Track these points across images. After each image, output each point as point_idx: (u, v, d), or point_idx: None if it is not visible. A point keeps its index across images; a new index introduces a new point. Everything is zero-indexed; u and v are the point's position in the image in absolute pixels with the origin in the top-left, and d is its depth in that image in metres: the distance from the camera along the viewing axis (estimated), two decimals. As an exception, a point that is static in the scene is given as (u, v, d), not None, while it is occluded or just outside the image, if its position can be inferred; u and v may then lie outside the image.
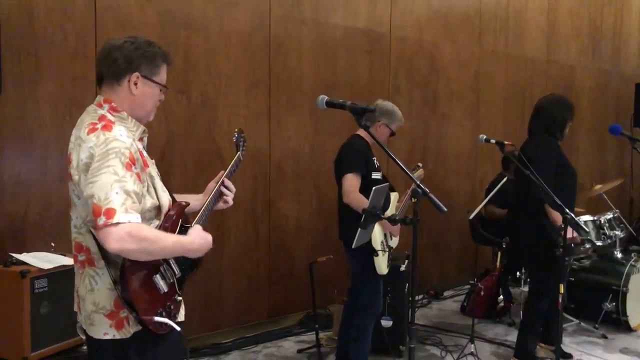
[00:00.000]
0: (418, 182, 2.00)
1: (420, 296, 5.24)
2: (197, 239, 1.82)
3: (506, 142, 3.21)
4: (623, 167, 7.48)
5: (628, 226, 4.58)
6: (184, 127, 3.83)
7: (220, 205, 2.14)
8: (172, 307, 1.83)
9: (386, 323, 3.67)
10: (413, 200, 1.99)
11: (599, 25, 7.14)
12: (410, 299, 2.67)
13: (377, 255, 3.09)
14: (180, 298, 1.90)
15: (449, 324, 4.60)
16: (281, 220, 4.37)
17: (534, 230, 3.46)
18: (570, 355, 3.86)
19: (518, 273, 4.46)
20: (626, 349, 4.06)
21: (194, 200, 2.10)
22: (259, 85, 4.18)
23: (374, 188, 2.26)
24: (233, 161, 2.21)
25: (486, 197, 4.85)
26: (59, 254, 3.08)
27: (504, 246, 4.69)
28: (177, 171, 3.79)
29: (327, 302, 4.42)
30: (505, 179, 4.36)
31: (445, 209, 1.97)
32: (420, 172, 3.72)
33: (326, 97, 2.15)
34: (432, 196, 1.98)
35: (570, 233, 3.26)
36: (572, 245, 3.10)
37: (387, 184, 2.45)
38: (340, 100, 2.13)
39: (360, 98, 3.90)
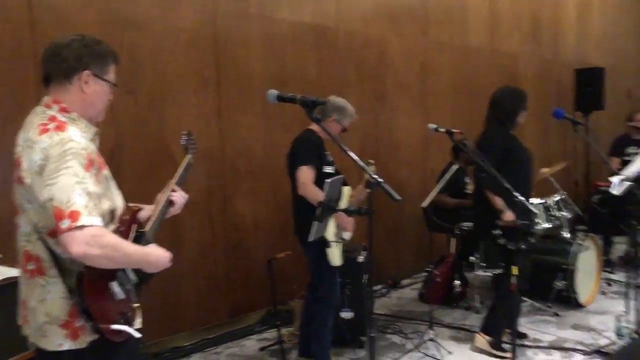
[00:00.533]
0: (371, 173, 2.02)
1: (379, 286, 5.31)
2: (158, 251, 1.79)
3: (455, 131, 3.29)
4: (567, 150, 7.76)
5: (574, 206, 4.75)
6: (133, 128, 3.75)
7: (170, 210, 2.10)
8: (129, 314, 1.80)
9: (346, 315, 3.70)
10: (367, 190, 2.01)
11: (539, 15, 7.37)
12: (368, 289, 2.70)
13: (329, 246, 3.11)
14: (138, 304, 1.86)
15: (407, 311, 4.68)
16: (237, 219, 4.33)
17: (487, 216, 3.58)
18: (525, 335, 3.98)
19: (472, 258, 4.56)
20: (577, 324, 4.23)
21: (146, 211, 2.06)
22: (208, 83, 4.13)
23: (328, 180, 2.28)
24: (183, 166, 2.18)
25: (437, 185, 4.94)
26: (4, 266, 2.96)
27: (457, 232, 4.80)
28: (127, 173, 3.70)
29: (287, 298, 4.42)
30: (455, 168, 4.45)
31: (399, 197, 2.00)
32: (372, 169, 3.75)
33: (276, 92, 2.16)
34: (385, 185, 2.01)
35: (510, 217, 3.40)
36: (521, 228, 3.21)
37: (341, 176, 2.46)
38: (291, 94, 2.14)
39: (311, 93, 3.86)
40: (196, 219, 4.08)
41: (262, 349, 3.95)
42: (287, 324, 4.29)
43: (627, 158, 6.11)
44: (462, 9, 6.23)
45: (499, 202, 3.49)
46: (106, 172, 1.81)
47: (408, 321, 4.38)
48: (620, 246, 6.30)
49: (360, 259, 3.90)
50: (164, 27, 3.89)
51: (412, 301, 4.99)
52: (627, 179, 3.27)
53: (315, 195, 3.00)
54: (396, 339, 4.05)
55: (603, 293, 4.91)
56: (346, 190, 3.37)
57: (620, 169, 5.02)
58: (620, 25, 9.01)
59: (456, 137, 3.29)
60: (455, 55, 6.17)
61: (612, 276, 5.41)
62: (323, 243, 3.11)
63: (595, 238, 4.83)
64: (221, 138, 4.21)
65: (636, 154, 6.09)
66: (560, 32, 7.79)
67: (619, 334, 3.57)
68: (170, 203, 2.05)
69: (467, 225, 4.70)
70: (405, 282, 5.55)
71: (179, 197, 2.08)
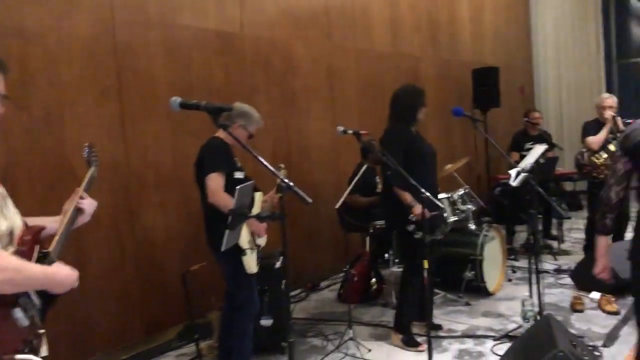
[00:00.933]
0: (281, 177, 2.02)
1: (298, 290, 5.32)
2: (64, 270, 1.69)
3: (362, 132, 3.36)
4: (468, 146, 8.14)
5: (478, 199, 4.99)
6: (28, 144, 3.51)
7: (80, 219, 2.00)
8: (34, 341, 1.67)
9: (266, 322, 3.67)
10: (279, 195, 2.00)
11: (436, 17, 7.69)
12: (286, 294, 2.70)
13: (244, 254, 3.07)
14: (43, 331, 1.74)
15: (327, 313, 4.71)
16: (148, 233, 4.18)
17: (398, 213, 3.69)
18: (440, 326, 4.13)
19: (386, 255, 4.67)
20: (487, 311, 4.44)
21: (51, 222, 1.95)
22: (108, 93, 3.96)
23: (238, 187, 2.24)
24: (87, 179, 2.08)
25: (349, 186, 5.03)
26: None
27: (371, 231, 4.90)
28: (24, 192, 3.47)
29: (205, 311, 4.31)
30: (364, 168, 4.54)
31: (310, 200, 2.01)
32: (283, 172, 3.76)
33: (179, 99, 2.10)
34: (296, 189, 2.01)
35: (420, 210, 3.52)
36: (433, 219, 3.34)
37: (251, 182, 2.44)
38: (195, 101, 2.10)
39: (218, 100, 3.86)
40: (102, 235, 3.89)
41: (180, 364, 3.83)
42: (206, 337, 4.19)
43: (525, 153, 6.49)
44: (364, 13, 6.38)
45: (407, 197, 3.60)
46: (1, 190, 1.69)
47: (328, 323, 4.42)
48: (522, 235, 6.70)
49: (278, 264, 3.88)
50: (57, 36, 3.68)
51: (332, 302, 5.03)
52: (523, 171, 3.47)
53: (227, 202, 2.96)
54: (317, 341, 4.06)
55: (509, 280, 5.19)
56: (258, 196, 3.35)
57: (518, 162, 5.35)
58: (510, 25, 9.59)
59: (363, 138, 3.36)
60: (360, 58, 6.31)
61: (516, 263, 5.73)
62: (237, 251, 3.07)
63: (499, 228, 5.09)
64: (126, 149, 4.05)
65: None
66: (457, 33, 8.17)
67: (525, 318, 3.77)
68: (78, 211, 1.94)
69: (380, 223, 4.81)
70: (324, 284, 5.60)
71: (88, 204, 1.98)
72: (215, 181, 3.05)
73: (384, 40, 6.69)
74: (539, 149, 3.95)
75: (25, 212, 1.86)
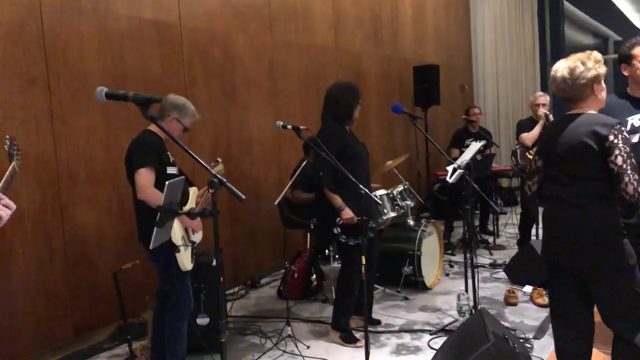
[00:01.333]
0: (213, 172, 1.95)
1: (237, 287, 5.23)
2: None
3: (302, 127, 3.31)
4: (409, 143, 8.25)
5: (417, 196, 5.05)
6: (-56, 135, 3.28)
7: None
8: None
9: (202, 321, 3.55)
10: (210, 191, 1.94)
11: (379, 14, 7.74)
12: (217, 292, 2.62)
13: (178, 251, 2.98)
14: None
15: (267, 310, 4.66)
16: (78, 230, 4.00)
17: (327, 214, 3.67)
18: (379, 321, 4.15)
19: (327, 251, 4.66)
20: (424, 306, 4.50)
21: None
22: (35, 83, 3.75)
23: (167, 182, 2.16)
24: (7, 173, 1.94)
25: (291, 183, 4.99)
26: None
27: (312, 227, 4.88)
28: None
29: (140, 310, 4.19)
30: (304, 163, 4.50)
31: (244, 197, 1.95)
32: (220, 167, 3.66)
33: (105, 89, 1.99)
34: (229, 185, 1.95)
35: (349, 214, 3.52)
36: (360, 224, 3.34)
37: (182, 177, 2.36)
38: (123, 92, 1.99)
39: (155, 92, 3.72)
40: (29, 233, 3.70)
41: (112, 366, 3.69)
42: (141, 337, 4.06)
43: (465, 149, 6.66)
44: (306, 8, 6.33)
45: (337, 200, 3.58)
46: None
47: (267, 320, 4.36)
48: (460, 230, 6.84)
49: (214, 262, 3.78)
50: (-22, 20, 3.46)
51: (272, 299, 4.98)
52: (459, 168, 3.52)
53: (156, 198, 2.86)
54: (255, 339, 4.00)
55: (446, 274, 5.29)
56: (192, 192, 3.26)
57: (457, 159, 5.45)
58: (451, 24, 9.78)
59: (304, 134, 3.31)
60: (302, 53, 6.26)
61: (453, 258, 5.85)
62: (170, 248, 2.97)
63: (436, 224, 5.18)
64: (54, 142, 3.86)
65: (473, 145, 6.66)
66: (399, 31, 8.25)
67: (460, 312, 3.85)
68: None
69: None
70: (264, 280, 5.53)
71: (4, 210, 1.84)
72: (143, 176, 2.95)
73: (326, 35, 6.67)
74: (474, 146, 4.03)
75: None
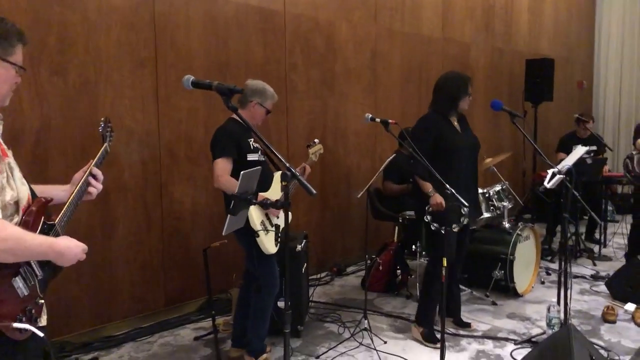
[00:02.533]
0: (288, 165, 1.96)
1: (324, 274, 5.29)
2: (65, 242, 1.70)
3: (391, 121, 3.25)
4: (517, 140, 7.86)
5: (516, 197, 4.80)
6: (62, 111, 3.58)
7: (85, 196, 2.00)
8: (33, 310, 1.70)
9: (280, 304, 3.64)
10: (283, 183, 1.95)
11: (492, 4, 7.40)
12: (285, 280, 2.65)
13: (257, 236, 3.05)
14: (42, 301, 1.76)
15: (349, 299, 4.67)
16: (175, 206, 4.22)
17: (421, 202, 3.59)
18: (468, 325, 4.00)
19: (414, 246, 4.57)
20: (512, 313, 4.29)
21: (60, 191, 1.96)
22: (145, 64, 3.98)
23: (242, 172, 2.20)
24: (99, 153, 2.07)
25: (384, 173, 4.94)
26: None
27: (400, 220, 4.81)
28: (55, 158, 3.55)
29: (227, 287, 4.36)
30: (393, 155, 4.42)
31: (315, 192, 1.94)
32: (317, 147, 3.69)
33: (192, 77, 2.06)
34: (302, 179, 1.95)
35: (438, 200, 3.42)
36: (450, 211, 3.22)
37: (258, 167, 2.39)
38: (208, 81, 2.05)
39: (256, 77, 3.79)
40: (130, 205, 3.96)
41: (196, 338, 3.87)
42: (225, 313, 4.23)
43: (572, 153, 6.24)
44: (415, -4, 6.18)
45: (428, 186, 3.51)
46: (9, 159, 1.71)
47: (348, 309, 4.37)
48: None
49: (299, 248, 3.85)
50: (98, 4, 3.72)
51: (355, 289, 4.98)
52: (559, 172, 3.29)
53: (231, 186, 2.97)
54: (334, 327, 4.03)
55: (542, 282, 5.01)
56: (277, 177, 3.29)
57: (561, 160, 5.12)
58: (571, 17, 9.15)
59: (392, 128, 3.26)
60: (407, 43, 6.14)
61: (552, 265, 5.52)
62: (252, 232, 3.05)
63: (535, 228, 4.89)
64: (158, 121, 4.08)
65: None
66: (513, 22, 7.84)
67: (549, 324, 3.62)
68: (87, 185, 1.94)
69: (410, 213, 4.70)
70: (350, 269, 5.54)
71: (97, 186, 1.97)
72: (218, 166, 3.08)
73: (433, 25, 6.49)
74: (580, 151, 3.75)
75: (55, 179, 1.89)
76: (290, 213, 3.39)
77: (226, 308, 4.30)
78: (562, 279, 3.35)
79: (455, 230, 3.46)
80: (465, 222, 3.47)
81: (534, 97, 7.48)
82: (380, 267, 4.80)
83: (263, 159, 3.29)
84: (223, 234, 2.31)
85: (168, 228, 4.18)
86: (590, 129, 6.31)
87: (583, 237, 6.21)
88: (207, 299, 4.36)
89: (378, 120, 3.24)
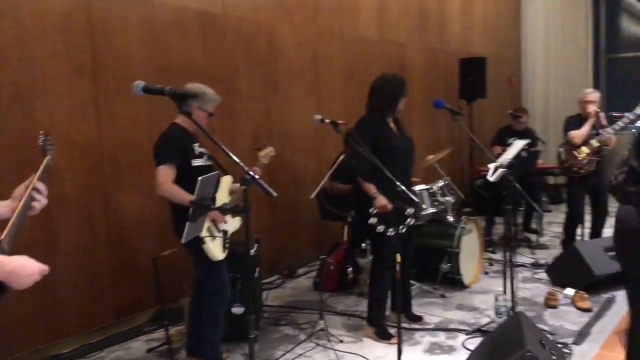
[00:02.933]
0: (247, 169, 1.95)
1: (275, 277, 5.28)
2: (28, 262, 1.62)
3: (340, 122, 3.29)
4: (454, 136, 8.11)
5: (458, 192, 4.96)
6: (-5, 121, 3.41)
7: (29, 211, 1.91)
8: None
9: (237, 310, 3.61)
10: (242, 187, 1.94)
11: (425, 5, 7.60)
12: (258, 282, 2.64)
13: (204, 242, 2.99)
14: None
15: (302, 301, 4.68)
16: (121, 215, 4.10)
17: (362, 204, 3.64)
18: (420, 318, 4.10)
19: (363, 244, 4.63)
20: (461, 304, 4.43)
21: (1, 207, 1.87)
22: (82, 71, 3.85)
23: (199, 178, 2.17)
24: (42, 167, 1.98)
25: (331, 174, 4.98)
26: None
27: (349, 219, 4.86)
28: (-10, 172, 3.38)
29: (179, 296, 4.27)
30: (342, 156, 4.47)
31: (275, 194, 1.95)
32: (268, 149, 3.65)
33: (142, 83, 2.02)
34: (261, 182, 1.95)
35: (382, 202, 3.48)
36: (395, 212, 3.29)
37: (216, 172, 2.36)
38: (159, 86, 2.01)
39: (198, 81, 3.74)
40: (74, 217, 3.81)
41: (149, 350, 3.78)
42: (178, 322, 4.14)
43: (508, 146, 6.49)
44: (352, -2, 6.27)
45: (371, 188, 3.54)
46: None
47: (302, 311, 4.38)
48: (501, 226, 6.69)
49: (252, 252, 3.82)
50: (30, 9, 3.56)
51: (308, 290, 5.00)
52: (501, 166, 3.43)
53: (174, 193, 2.94)
54: (289, 330, 4.03)
55: (486, 273, 5.19)
56: (225, 180, 3.25)
57: (499, 156, 5.32)
58: (499, 16, 9.52)
59: (341, 128, 3.29)
60: (347, 44, 6.21)
61: (494, 256, 5.74)
62: (198, 239, 2.99)
63: (477, 221, 5.07)
64: (99, 129, 3.95)
65: (515, 143, 6.48)
66: (446, 22, 8.09)
67: (498, 313, 3.77)
68: (32, 200, 1.86)
69: (358, 212, 4.76)
70: (301, 271, 5.56)
71: (41, 200, 1.89)
72: (161, 173, 3.01)
73: (370, 25, 6.60)
74: (518, 144, 3.92)
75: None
76: (239, 217, 3.39)
77: (179, 317, 4.21)
78: (508, 268, 3.49)
79: (403, 231, 3.53)
80: (411, 223, 3.55)
81: (468, 95, 7.73)
82: (332, 267, 4.84)
83: (209, 163, 3.24)
84: (182, 242, 2.28)
85: (115, 239, 4.06)
86: (524, 123, 6.58)
87: (521, 227, 6.48)
88: (158, 309, 4.27)
89: (327, 121, 3.28)
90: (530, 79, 10.12)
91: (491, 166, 3.56)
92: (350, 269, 4.93)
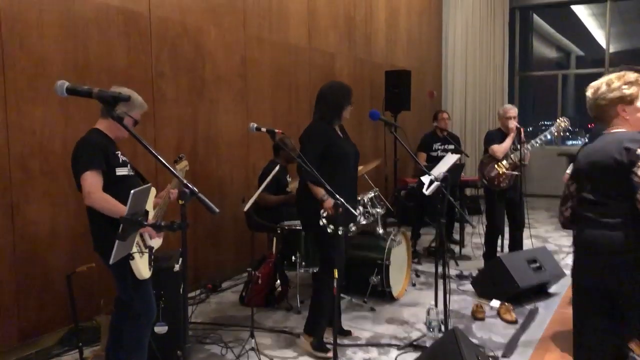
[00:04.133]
0: (185, 182, 1.78)
1: (198, 291, 5.03)
2: None
3: (277, 130, 3.16)
4: (378, 147, 8.17)
5: (386, 203, 4.94)
6: None
7: None
8: None
9: (160, 329, 3.36)
10: (181, 202, 1.76)
11: (353, 16, 7.62)
12: (183, 299, 2.43)
13: (132, 258, 2.74)
14: None
15: (228, 317, 4.47)
16: (30, 227, 3.74)
17: (312, 210, 3.55)
18: (349, 332, 4.02)
19: (293, 257, 4.50)
20: (391, 318, 4.39)
21: None
22: (-12, 68, 3.48)
23: (132, 191, 1.96)
24: None
25: (259, 184, 4.82)
26: None
27: (279, 231, 4.71)
28: None
29: (93, 314, 3.95)
30: (277, 168, 4.33)
31: (217, 210, 1.78)
32: (183, 163, 3.43)
33: (66, 83, 1.79)
34: (202, 196, 1.78)
35: (331, 203, 3.41)
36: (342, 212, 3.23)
37: (149, 185, 2.15)
38: (87, 87, 1.80)
39: (120, 83, 3.48)
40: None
41: (61, 376, 3.45)
42: (93, 342, 3.82)
43: (433, 153, 6.62)
44: (281, 4, 6.16)
45: (320, 191, 3.49)
46: None
47: (228, 328, 4.18)
48: (425, 238, 6.80)
49: (177, 267, 3.59)
50: None
51: (233, 305, 4.79)
52: (436, 179, 3.42)
53: (106, 203, 2.69)
54: (216, 348, 3.82)
55: (413, 284, 5.21)
56: (152, 193, 3.02)
57: (427, 165, 5.38)
58: (423, 30, 9.75)
59: (278, 137, 3.16)
60: (275, 51, 6.09)
61: (419, 267, 5.78)
62: (125, 256, 2.74)
63: (406, 233, 5.08)
64: (7, 133, 3.58)
65: (442, 150, 6.62)
66: (372, 34, 8.15)
67: (430, 327, 3.75)
68: None
69: (289, 223, 4.63)
70: (225, 284, 5.34)
71: None
72: (89, 181, 2.73)
73: (300, 33, 6.51)
74: (451, 158, 3.94)
75: None
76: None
77: (92, 337, 3.89)
78: (443, 280, 3.48)
79: (353, 229, 3.51)
80: (360, 223, 3.54)
81: (393, 107, 7.81)
82: (260, 281, 4.66)
83: (132, 173, 3.00)
84: (110, 262, 2.04)
85: (22, 253, 3.69)
86: (447, 122, 6.74)
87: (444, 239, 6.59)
88: (70, 328, 3.93)
89: (264, 129, 3.13)
90: (449, 93, 10.43)
91: (425, 179, 3.54)
92: (278, 282, 4.77)
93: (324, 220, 3.51)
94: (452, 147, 6.63)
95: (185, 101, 4.95)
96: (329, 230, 3.50)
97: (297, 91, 6.41)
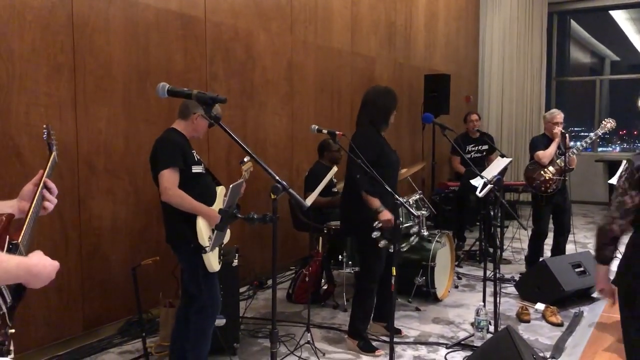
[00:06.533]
0: (277, 178, 1.90)
1: (245, 288, 5.17)
2: (41, 261, 1.51)
3: (337, 132, 3.27)
4: (415, 151, 8.24)
5: (430, 206, 5.02)
6: (-32, 118, 3.20)
7: (41, 211, 1.82)
8: (6, 342, 1.51)
9: (219, 322, 3.49)
10: (273, 196, 1.89)
11: (393, 21, 7.72)
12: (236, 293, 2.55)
13: (205, 252, 2.89)
14: (13, 331, 1.57)
15: (277, 313, 4.57)
16: (94, 222, 3.92)
17: (360, 218, 3.62)
18: (399, 331, 4.11)
19: (340, 257, 4.60)
20: (437, 318, 4.47)
21: (8, 207, 1.77)
22: (61, 70, 3.67)
23: (231, 185, 2.10)
24: (49, 164, 1.89)
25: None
26: None
27: (326, 231, 4.82)
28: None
29: (150, 306, 4.12)
30: (334, 171, 4.42)
31: (307, 205, 1.90)
32: (248, 165, 3.59)
33: (167, 85, 1.93)
34: (293, 192, 1.91)
35: (388, 216, 3.47)
36: (395, 229, 3.30)
37: (241, 180, 2.29)
38: (186, 89, 1.93)
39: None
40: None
41: (126, 363, 3.61)
42: (151, 333, 3.99)
43: (467, 155, 6.67)
44: (326, 9, 6.29)
45: (376, 202, 3.52)
46: None
47: (280, 323, 4.30)
48: (467, 241, 6.84)
49: (235, 262, 3.74)
50: (9, 3, 3.37)
51: (280, 302, 4.92)
52: (489, 182, 3.50)
53: (181, 199, 2.85)
54: (268, 342, 3.93)
55: (455, 287, 5.27)
56: (220, 190, 3.18)
57: (466, 167, 5.42)
58: (460, 36, 9.80)
59: (339, 139, 3.28)
60: (319, 55, 6.22)
61: (460, 270, 5.83)
62: (197, 249, 2.89)
63: (449, 235, 5.15)
64: (76, 131, 3.77)
65: (475, 151, 6.67)
66: (412, 38, 8.24)
67: (478, 327, 3.82)
68: (43, 199, 1.76)
69: (335, 224, 4.74)
70: (270, 281, 5.46)
71: (52, 200, 1.81)
72: (167, 178, 2.89)
73: (343, 38, 6.63)
74: (502, 162, 4.01)
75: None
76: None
77: (150, 328, 4.06)
78: (494, 282, 3.55)
79: (405, 249, 3.53)
80: (420, 234, 3.56)
81: (431, 110, 7.84)
82: (307, 279, 4.78)
83: (204, 171, 3.16)
84: (208, 251, 2.18)
85: (87, 246, 3.87)
86: (477, 124, 6.78)
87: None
88: (128, 319, 4.12)
89: (325, 131, 3.24)
90: (486, 98, 10.44)
91: (477, 182, 3.62)
92: (323, 281, 4.89)
93: (377, 233, 3.56)
94: (486, 147, 6.68)
95: (236, 103, 5.11)
96: (380, 245, 3.55)
97: (339, 95, 6.53)
